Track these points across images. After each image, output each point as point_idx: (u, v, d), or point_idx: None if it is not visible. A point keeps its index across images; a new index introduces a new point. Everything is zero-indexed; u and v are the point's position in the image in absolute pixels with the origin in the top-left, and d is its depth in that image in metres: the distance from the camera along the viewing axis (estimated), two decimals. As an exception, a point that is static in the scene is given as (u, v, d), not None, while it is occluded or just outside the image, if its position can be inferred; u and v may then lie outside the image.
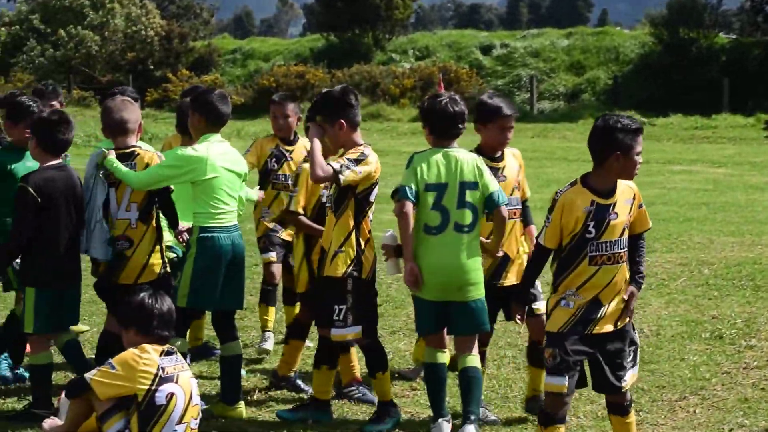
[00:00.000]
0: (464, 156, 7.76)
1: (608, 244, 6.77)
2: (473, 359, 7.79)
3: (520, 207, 8.30)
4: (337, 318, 7.92)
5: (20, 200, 7.94)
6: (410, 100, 43.90)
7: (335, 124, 7.94)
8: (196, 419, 6.83)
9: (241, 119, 39.83)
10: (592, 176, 6.85)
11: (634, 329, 7.06)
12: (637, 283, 7.01)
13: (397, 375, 9.20)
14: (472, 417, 7.65)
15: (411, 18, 65.25)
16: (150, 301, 6.88)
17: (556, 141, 34.14)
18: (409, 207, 7.59)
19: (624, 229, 6.85)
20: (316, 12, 60.89)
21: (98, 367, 6.77)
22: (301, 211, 8.44)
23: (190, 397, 6.77)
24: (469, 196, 7.67)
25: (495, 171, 8.00)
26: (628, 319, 6.97)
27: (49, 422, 7.13)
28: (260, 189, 9.90)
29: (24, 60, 53.26)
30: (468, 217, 7.68)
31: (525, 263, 7.91)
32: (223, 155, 8.22)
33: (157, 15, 57.04)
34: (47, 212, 7.99)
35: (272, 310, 10.00)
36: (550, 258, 6.98)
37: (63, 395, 7.01)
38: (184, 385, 6.75)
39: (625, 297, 6.89)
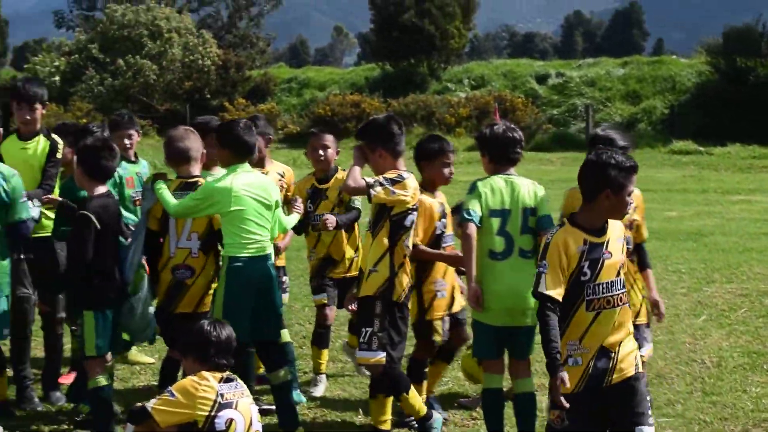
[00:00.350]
0: (523, 182, 7.93)
1: (605, 286, 6.36)
2: (530, 383, 7.92)
3: (629, 247, 7.91)
4: (362, 340, 8.01)
5: (82, 228, 8.02)
6: (466, 129, 43.89)
7: (376, 152, 8.05)
8: (256, 446, 6.84)
9: (296, 148, 39.95)
10: (580, 214, 6.50)
11: None
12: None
13: (456, 405, 9.17)
14: None
15: (466, 47, 65.27)
16: (209, 329, 6.93)
17: (613, 170, 33.94)
18: (473, 229, 7.70)
19: (620, 268, 6.47)
20: (372, 41, 61.10)
21: (159, 396, 6.81)
22: (418, 242, 8.40)
23: (250, 423, 6.78)
24: (531, 221, 7.85)
25: None
26: (642, 366, 6.61)
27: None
28: (302, 233, 9.85)
29: (83, 89, 53.85)
30: (530, 242, 7.83)
31: (635, 305, 7.93)
32: (249, 185, 8.20)
33: (214, 44, 57.50)
34: (102, 238, 8.09)
35: (325, 352, 9.90)
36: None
37: (128, 423, 7.05)
38: (244, 411, 6.75)
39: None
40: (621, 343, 6.42)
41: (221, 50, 58.21)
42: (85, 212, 8.02)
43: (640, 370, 6.54)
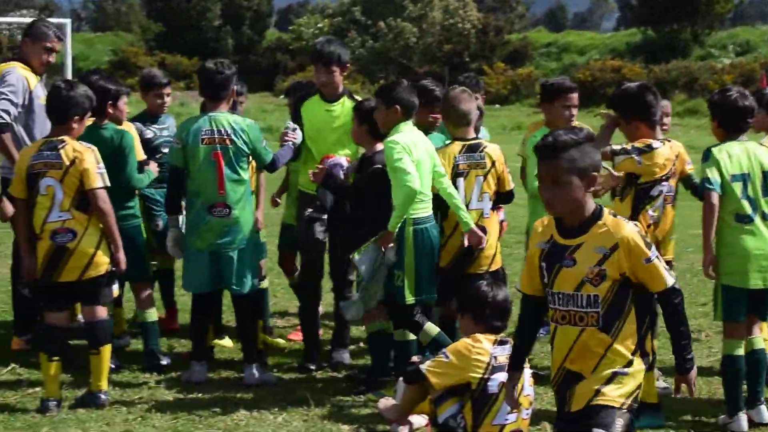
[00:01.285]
0: (756, 147, 7.80)
1: (561, 298, 5.28)
2: (760, 341, 7.76)
3: None
4: None
5: (382, 182, 8.14)
6: (730, 96, 42.67)
7: (630, 123, 7.89)
8: (527, 409, 6.85)
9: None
10: None
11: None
12: (683, 370, 5.43)
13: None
14: (762, 398, 7.70)
15: (730, 13, 63.43)
16: (486, 290, 6.99)
17: None
18: (716, 197, 7.58)
19: (584, 283, 5.21)
20: (633, 6, 60.03)
21: (433, 358, 6.93)
22: None
23: (522, 388, 6.80)
24: None
25: None
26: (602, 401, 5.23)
27: (383, 401, 7.38)
28: None
29: (345, 51, 54.85)
30: None
31: None
32: (418, 143, 8.10)
33: (474, 8, 57.65)
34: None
35: None
36: None
37: (400, 381, 7.20)
38: (517, 375, 6.78)
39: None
40: (590, 369, 5.28)
41: (481, 14, 58.30)
42: (380, 166, 8.18)
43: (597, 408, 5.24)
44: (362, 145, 8.59)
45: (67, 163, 7.81)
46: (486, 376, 6.70)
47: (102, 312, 8.04)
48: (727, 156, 7.66)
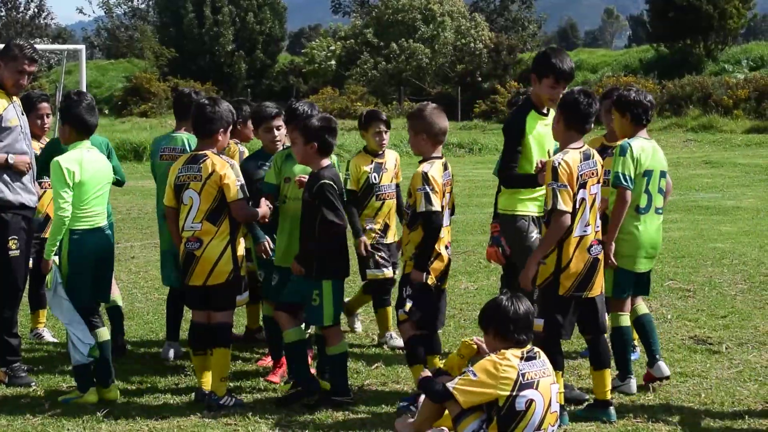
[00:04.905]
0: (657, 146, 8.69)
1: None
2: (643, 307, 8.90)
3: None
4: None
5: (331, 195, 8.23)
6: (744, 111, 42.56)
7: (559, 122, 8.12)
8: (553, 426, 6.82)
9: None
10: None
11: None
12: None
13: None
14: (658, 356, 8.69)
15: (743, 28, 63.38)
16: (506, 304, 6.94)
17: None
18: (630, 195, 8.32)
19: None
20: (645, 23, 60.03)
21: (460, 376, 6.87)
22: None
23: (549, 404, 6.76)
24: (662, 182, 8.59)
25: None
26: None
27: (400, 421, 7.34)
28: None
29: (357, 73, 54.99)
30: (660, 200, 8.62)
31: None
32: (89, 161, 8.46)
33: (485, 28, 57.71)
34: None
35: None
36: None
37: (424, 398, 7.14)
38: (544, 392, 6.74)
39: None
40: None
41: (493, 33, 58.36)
42: (327, 180, 8.25)
43: None
44: (310, 163, 8.55)
45: (205, 175, 8.20)
46: (514, 393, 6.66)
47: (218, 317, 8.43)
48: (641, 151, 8.41)
